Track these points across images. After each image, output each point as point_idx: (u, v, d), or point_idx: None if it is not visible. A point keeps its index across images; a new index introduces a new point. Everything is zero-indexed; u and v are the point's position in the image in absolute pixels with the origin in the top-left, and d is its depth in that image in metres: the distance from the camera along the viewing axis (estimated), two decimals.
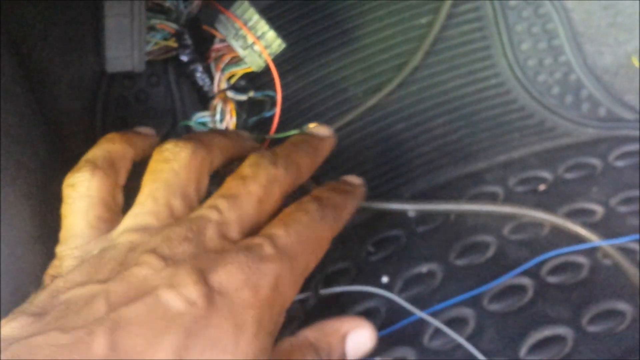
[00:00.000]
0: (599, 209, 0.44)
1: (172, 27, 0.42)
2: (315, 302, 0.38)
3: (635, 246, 0.41)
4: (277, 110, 0.44)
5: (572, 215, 0.43)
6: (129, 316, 0.22)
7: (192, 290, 0.24)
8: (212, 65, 0.43)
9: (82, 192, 0.30)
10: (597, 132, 0.48)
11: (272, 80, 0.43)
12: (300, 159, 0.34)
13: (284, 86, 0.44)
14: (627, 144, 0.47)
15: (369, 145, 0.47)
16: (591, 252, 0.41)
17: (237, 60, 0.43)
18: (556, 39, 0.50)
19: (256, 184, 0.30)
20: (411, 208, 0.44)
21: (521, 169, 0.46)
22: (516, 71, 0.49)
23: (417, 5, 0.49)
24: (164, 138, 0.34)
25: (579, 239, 0.42)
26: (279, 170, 0.31)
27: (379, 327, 0.37)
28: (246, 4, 0.42)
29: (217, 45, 0.43)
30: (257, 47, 0.42)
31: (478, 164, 0.47)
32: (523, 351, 0.37)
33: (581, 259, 0.41)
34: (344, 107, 0.47)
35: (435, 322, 0.38)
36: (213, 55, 0.43)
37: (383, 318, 0.39)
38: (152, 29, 0.42)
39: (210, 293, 0.24)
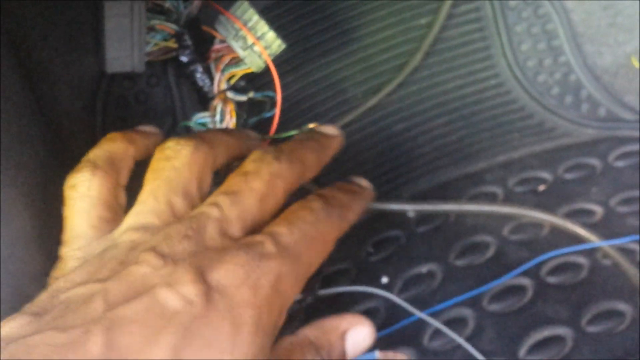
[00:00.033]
0: (598, 210, 0.44)
1: (172, 27, 0.42)
2: (314, 301, 0.38)
3: (634, 246, 0.41)
4: (277, 110, 0.44)
5: (571, 215, 0.43)
6: (126, 315, 0.22)
7: (190, 289, 0.24)
8: (212, 66, 0.43)
9: (82, 192, 0.29)
10: (597, 133, 0.48)
11: (272, 80, 0.43)
12: (306, 155, 0.33)
13: (283, 87, 0.44)
14: (627, 144, 0.47)
15: (369, 146, 0.47)
16: (591, 252, 0.41)
17: (237, 61, 0.43)
18: (556, 40, 0.50)
19: (258, 179, 0.30)
20: (411, 208, 0.44)
21: (521, 169, 0.46)
22: (516, 71, 0.49)
23: (417, 6, 0.49)
24: (164, 139, 0.34)
25: (579, 240, 0.42)
26: (283, 166, 0.31)
27: (379, 328, 0.37)
28: (246, 4, 0.42)
29: (217, 45, 0.43)
30: (257, 48, 0.42)
31: (478, 164, 0.47)
32: (522, 351, 0.37)
33: (581, 260, 0.41)
34: (344, 107, 0.47)
35: (435, 323, 0.38)
36: (213, 55, 0.43)
37: (383, 318, 0.39)
38: (151, 29, 0.42)
39: (209, 291, 0.24)
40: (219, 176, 0.33)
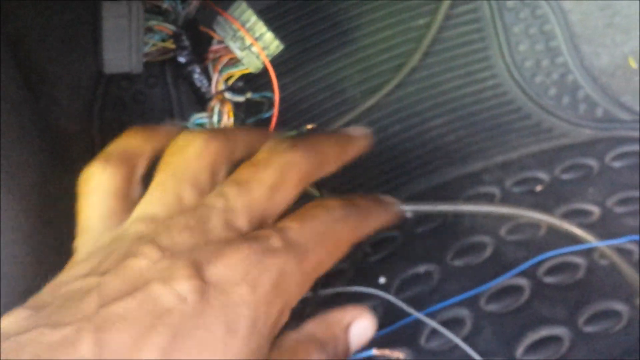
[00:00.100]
0: (595, 210, 0.44)
1: (169, 28, 0.42)
2: (315, 302, 0.38)
3: (631, 247, 0.41)
4: (275, 111, 0.44)
5: (568, 215, 0.43)
6: (118, 312, 0.22)
7: (184, 285, 0.23)
8: (210, 67, 0.43)
9: (94, 185, 0.29)
10: (594, 133, 0.48)
11: (269, 81, 0.43)
12: (324, 148, 0.31)
13: (281, 87, 0.44)
14: (624, 144, 0.47)
15: None
16: (588, 252, 0.41)
17: (234, 62, 0.43)
18: (553, 40, 0.50)
19: (269, 169, 0.28)
20: (408, 209, 0.44)
21: (518, 169, 0.46)
22: (513, 72, 0.49)
23: (415, 7, 0.49)
24: None
25: (576, 240, 0.42)
26: (297, 154, 0.29)
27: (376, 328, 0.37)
28: (244, 5, 0.42)
29: (214, 46, 0.43)
30: (254, 49, 0.42)
31: (475, 165, 0.47)
32: (519, 351, 0.37)
33: (578, 260, 0.41)
34: (342, 108, 0.48)
35: (432, 323, 0.38)
36: (211, 56, 0.43)
37: (380, 319, 0.39)
38: (149, 30, 0.42)
39: (204, 288, 0.23)
40: None
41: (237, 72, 0.43)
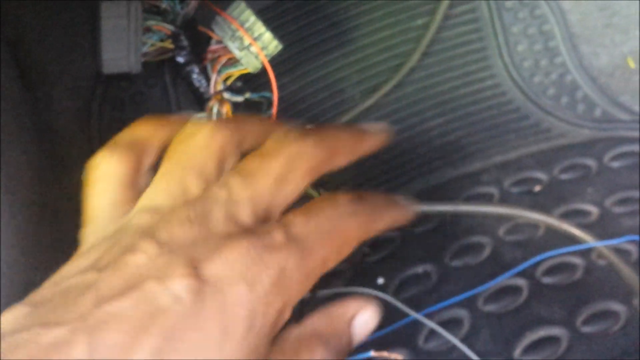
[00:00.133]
0: (594, 210, 0.44)
1: (168, 28, 0.42)
2: (313, 303, 0.38)
3: (630, 247, 0.41)
4: (274, 111, 0.44)
5: (567, 216, 0.43)
6: (112, 312, 0.21)
7: (179, 284, 0.22)
8: (209, 67, 0.43)
9: (100, 173, 0.28)
10: (593, 133, 0.48)
11: (268, 81, 0.43)
12: (336, 140, 0.29)
13: (280, 87, 0.44)
14: (623, 144, 0.47)
15: None
16: (586, 253, 0.41)
17: (233, 62, 0.43)
18: (552, 40, 0.50)
19: (276, 159, 0.26)
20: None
21: (517, 169, 0.46)
22: (512, 72, 0.49)
23: (413, 7, 0.49)
24: None
25: (574, 240, 0.42)
26: (306, 144, 0.27)
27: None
28: (243, 5, 0.42)
29: (213, 46, 0.43)
30: (253, 49, 0.42)
31: (474, 165, 0.47)
32: (517, 352, 0.37)
33: (576, 260, 0.41)
34: (340, 108, 0.48)
35: (430, 324, 0.38)
36: (209, 56, 0.43)
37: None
38: (148, 30, 0.42)
39: (200, 287, 0.22)
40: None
41: (235, 72, 0.43)
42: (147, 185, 0.28)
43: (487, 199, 0.45)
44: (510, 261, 0.41)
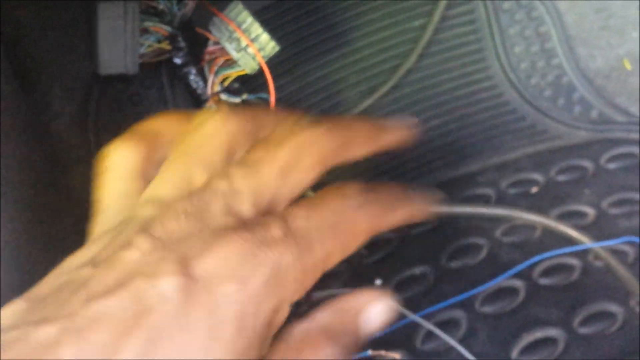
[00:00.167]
0: (590, 211, 0.44)
1: (165, 29, 0.42)
2: (308, 305, 0.38)
3: (626, 248, 0.41)
4: None
5: (564, 217, 0.43)
6: (101, 310, 0.20)
7: (167, 283, 0.21)
8: (206, 68, 0.43)
9: (111, 163, 0.27)
10: (589, 135, 0.48)
11: (265, 82, 0.43)
12: (352, 130, 0.27)
13: (277, 89, 0.44)
14: (619, 146, 0.47)
15: None
16: (583, 254, 0.41)
17: (230, 63, 0.43)
18: (549, 42, 0.50)
19: (282, 148, 0.25)
20: None
21: (513, 171, 0.47)
22: (509, 74, 0.50)
23: (411, 8, 0.49)
24: None
25: (571, 241, 0.42)
26: (317, 132, 0.25)
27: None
28: (240, 6, 0.42)
29: (210, 47, 0.43)
30: (250, 50, 0.42)
31: (470, 166, 0.47)
32: (515, 353, 0.37)
33: (573, 261, 0.41)
34: (338, 109, 0.48)
35: (428, 325, 0.38)
36: (207, 57, 0.43)
37: None
38: (145, 31, 0.42)
39: (189, 286, 0.21)
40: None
41: (233, 73, 0.43)
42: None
43: (484, 200, 0.45)
44: (508, 262, 0.41)
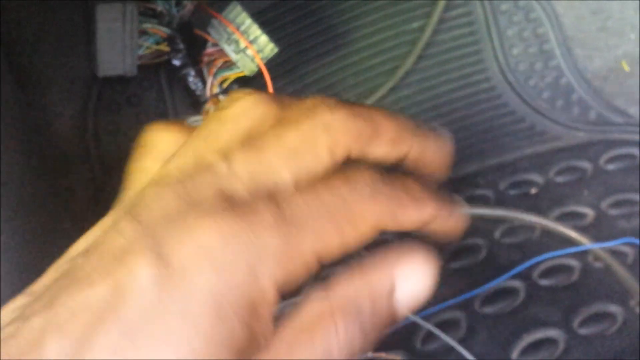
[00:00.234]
0: (589, 212, 0.44)
1: (164, 31, 0.42)
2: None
3: (626, 249, 0.41)
4: None
5: (563, 218, 0.43)
6: (79, 303, 0.20)
7: (142, 273, 0.19)
8: (205, 70, 0.43)
9: (144, 148, 0.26)
10: (588, 136, 0.48)
11: (264, 84, 0.43)
12: (378, 121, 0.23)
13: (276, 90, 0.44)
14: (618, 147, 0.47)
15: None
16: (582, 255, 0.41)
17: (229, 65, 0.43)
18: (547, 44, 0.50)
19: (293, 130, 0.22)
20: None
21: (512, 172, 0.47)
22: (507, 75, 0.50)
23: (409, 10, 0.49)
24: None
25: (570, 242, 0.42)
26: (337, 115, 0.22)
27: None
28: (239, 8, 0.42)
29: (209, 49, 0.43)
30: (249, 52, 0.42)
31: (470, 168, 0.47)
32: (515, 354, 0.37)
33: (572, 262, 0.41)
34: None
35: (428, 325, 0.38)
36: (205, 59, 0.43)
37: None
38: (144, 33, 0.42)
39: (166, 275, 0.19)
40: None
41: (231, 75, 0.43)
42: None
43: (483, 201, 0.45)
44: (507, 263, 0.41)
